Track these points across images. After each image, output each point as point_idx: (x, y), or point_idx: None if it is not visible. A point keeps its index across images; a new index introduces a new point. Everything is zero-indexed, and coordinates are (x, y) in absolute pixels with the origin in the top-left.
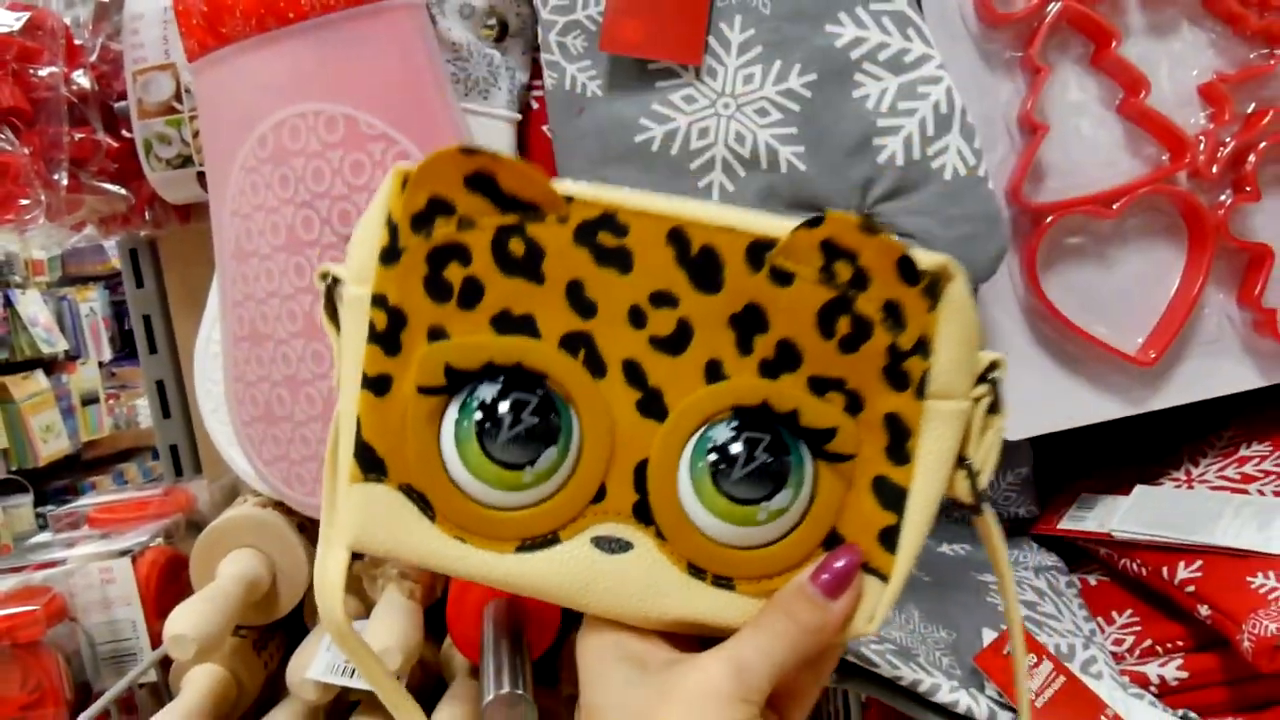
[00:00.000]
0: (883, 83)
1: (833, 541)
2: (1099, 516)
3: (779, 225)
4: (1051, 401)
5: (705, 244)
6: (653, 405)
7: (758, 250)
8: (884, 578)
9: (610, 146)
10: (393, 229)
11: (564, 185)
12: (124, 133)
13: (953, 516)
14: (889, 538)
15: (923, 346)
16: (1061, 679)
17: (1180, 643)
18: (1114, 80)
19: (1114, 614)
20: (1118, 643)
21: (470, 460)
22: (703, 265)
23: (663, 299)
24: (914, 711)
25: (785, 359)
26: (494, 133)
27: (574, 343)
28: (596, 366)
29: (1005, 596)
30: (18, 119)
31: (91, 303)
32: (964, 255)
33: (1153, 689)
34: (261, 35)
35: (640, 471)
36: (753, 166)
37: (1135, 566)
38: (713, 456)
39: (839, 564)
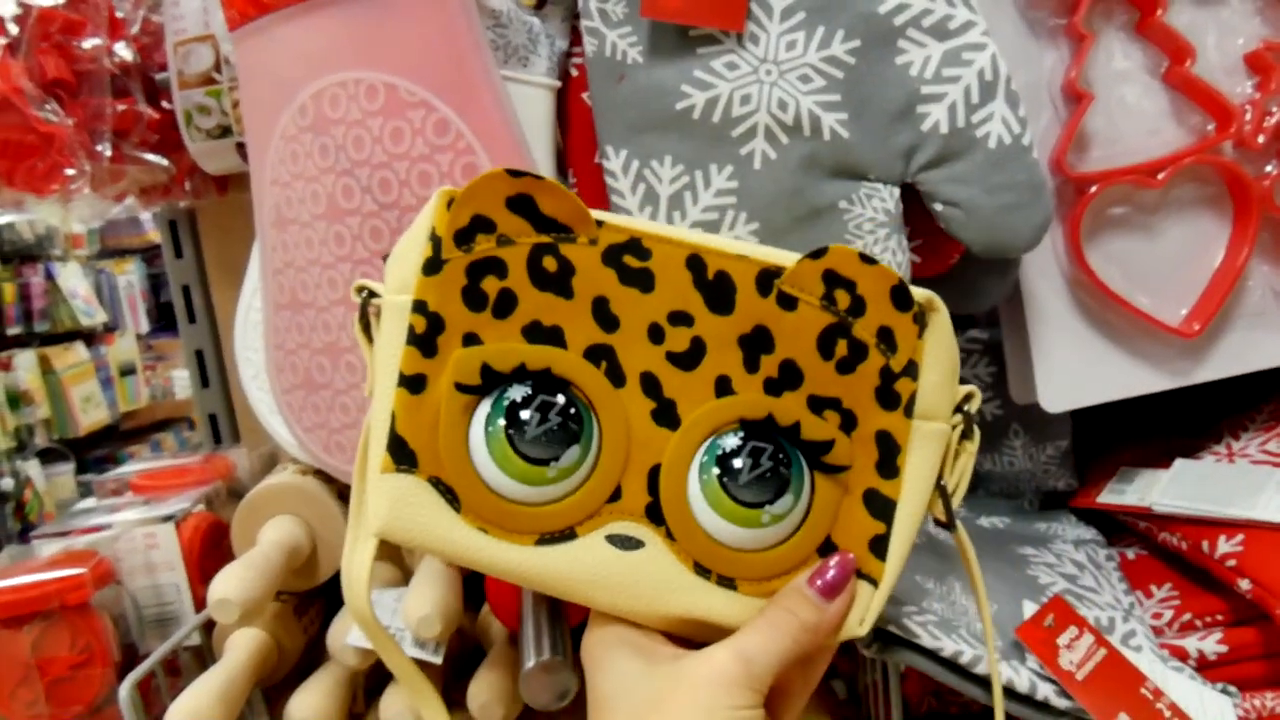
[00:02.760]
0: (926, 49)
1: (828, 548)
2: (1139, 490)
3: (786, 256)
4: (1092, 374)
5: (720, 269)
6: (667, 414)
7: (767, 277)
8: (874, 583)
9: (651, 114)
10: (436, 242)
11: (595, 213)
12: (165, 104)
13: (991, 490)
14: (879, 546)
15: (912, 369)
16: (1102, 652)
17: (1220, 616)
18: (1159, 48)
19: (1153, 587)
20: (1156, 616)
21: (498, 455)
22: (717, 289)
23: (680, 318)
24: (954, 683)
25: (788, 377)
26: (533, 100)
27: (597, 354)
28: (617, 377)
29: (979, 603)
30: (62, 90)
31: (129, 275)
32: (1008, 224)
33: (1192, 663)
34: (301, 4)
35: (654, 475)
36: (795, 133)
37: (1175, 540)
38: (721, 464)
39: (835, 568)
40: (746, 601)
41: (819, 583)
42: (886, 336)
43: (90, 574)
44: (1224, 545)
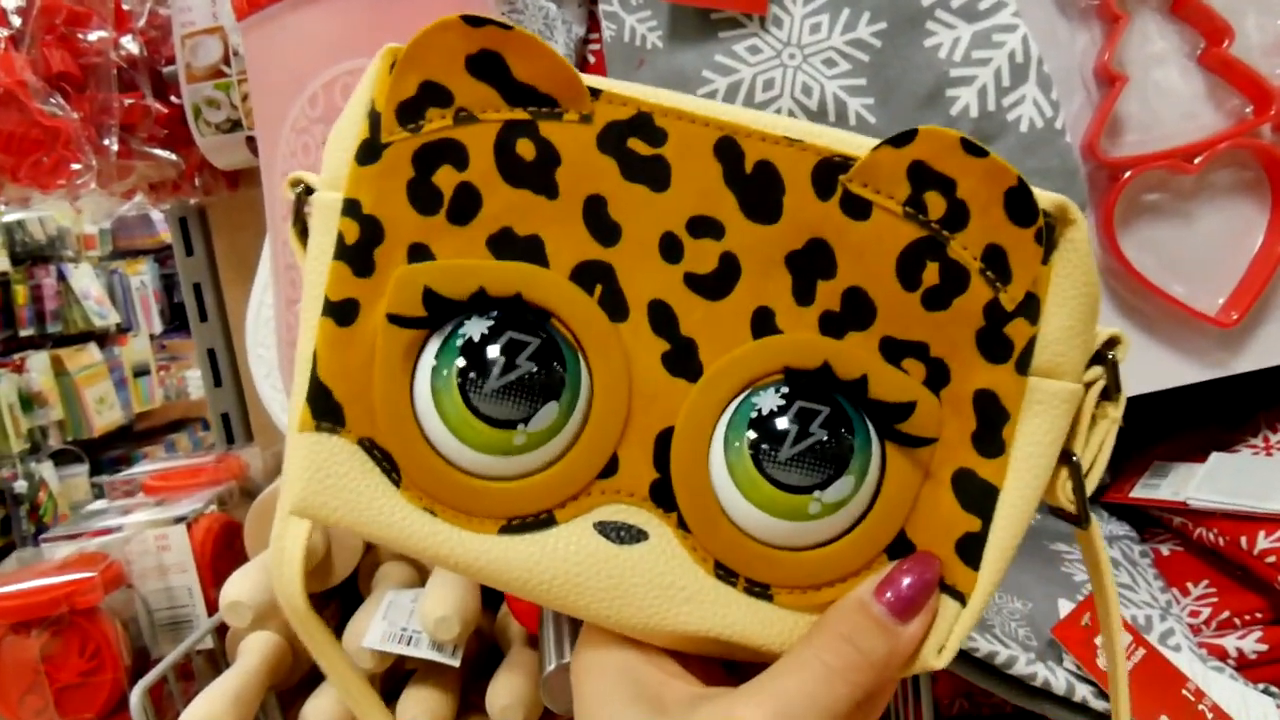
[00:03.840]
0: (955, 31)
1: (900, 548)
2: (1173, 484)
3: (857, 141)
4: (1127, 365)
5: (762, 159)
6: (684, 360)
7: (828, 171)
8: (962, 598)
9: None
10: (374, 119)
11: (590, 79)
12: (173, 99)
13: None
14: (970, 548)
15: (1030, 307)
16: (1141, 652)
17: (1259, 614)
18: (1196, 29)
19: (1189, 585)
20: (1194, 614)
21: (449, 414)
22: (757, 185)
23: (705, 226)
24: (987, 684)
25: (854, 312)
26: None
27: (590, 274)
28: (616, 306)
29: (1106, 620)
30: (68, 84)
31: (142, 276)
32: None
33: (1231, 662)
34: None
35: (663, 443)
36: (820, 119)
37: (1212, 536)
38: (756, 430)
39: (912, 575)
40: (785, 617)
41: (889, 596)
42: (997, 260)
43: (100, 578)
44: (1263, 541)
